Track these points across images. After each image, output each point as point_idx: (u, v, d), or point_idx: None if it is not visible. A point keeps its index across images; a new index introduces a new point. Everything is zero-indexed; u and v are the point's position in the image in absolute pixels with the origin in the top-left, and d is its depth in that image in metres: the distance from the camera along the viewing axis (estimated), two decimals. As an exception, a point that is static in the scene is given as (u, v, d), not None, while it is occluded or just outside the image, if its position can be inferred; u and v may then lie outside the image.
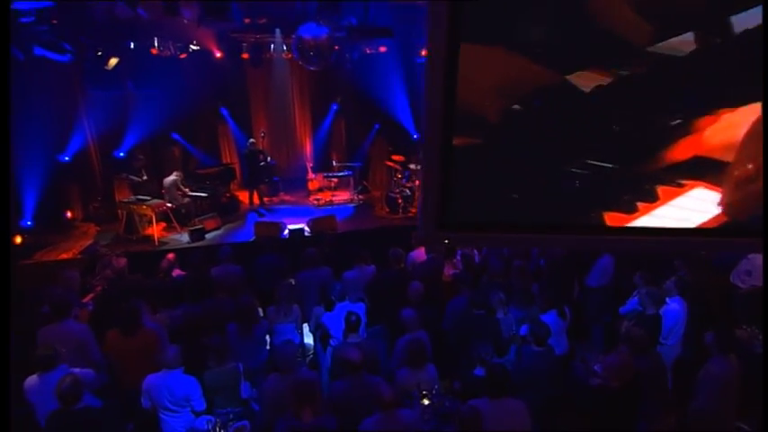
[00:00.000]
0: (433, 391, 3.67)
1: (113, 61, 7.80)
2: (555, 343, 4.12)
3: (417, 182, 9.53)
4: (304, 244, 6.86)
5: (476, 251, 6.38)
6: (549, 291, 4.79)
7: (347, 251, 6.00)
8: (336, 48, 8.69)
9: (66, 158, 9.22)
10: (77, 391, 3.41)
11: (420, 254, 6.39)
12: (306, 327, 5.29)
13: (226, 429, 3.53)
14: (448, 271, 6.06)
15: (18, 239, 7.85)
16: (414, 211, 9.67)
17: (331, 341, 4.52)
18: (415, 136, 11.25)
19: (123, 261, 5.71)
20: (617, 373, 3.41)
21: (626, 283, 5.14)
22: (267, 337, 4.80)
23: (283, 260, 6.07)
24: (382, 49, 10.79)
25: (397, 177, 10.04)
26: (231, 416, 3.64)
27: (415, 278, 5.24)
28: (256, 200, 10.28)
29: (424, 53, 1.68)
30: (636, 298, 4.68)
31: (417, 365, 3.88)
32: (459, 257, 6.33)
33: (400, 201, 9.64)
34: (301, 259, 5.53)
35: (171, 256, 6.02)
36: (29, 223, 8.52)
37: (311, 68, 8.82)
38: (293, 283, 5.09)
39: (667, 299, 4.50)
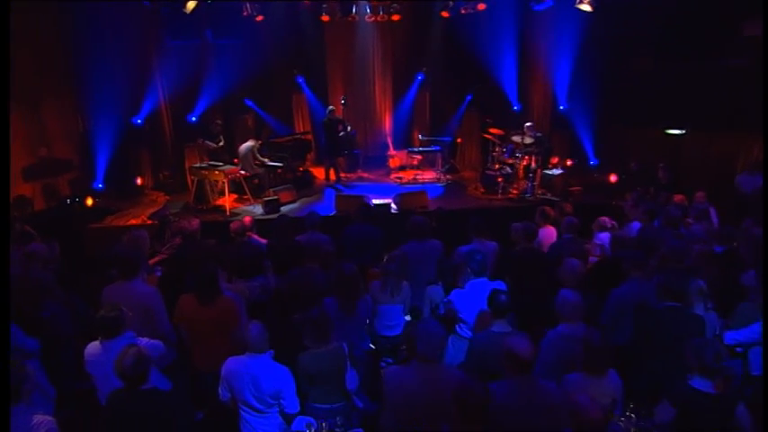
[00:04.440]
0: (629, 412, 2.58)
1: (191, 4, 7.35)
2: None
3: (525, 158, 8.34)
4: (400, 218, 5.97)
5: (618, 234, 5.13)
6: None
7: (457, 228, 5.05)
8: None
9: (139, 121, 9.01)
10: (143, 368, 2.70)
11: (549, 233, 5.29)
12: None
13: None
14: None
15: (90, 201, 7.64)
16: (515, 191, 8.51)
17: (458, 328, 3.55)
18: (515, 107, 10.03)
19: (196, 222, 5.10)
20: None
21: None
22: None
23: (378, 230, 5.20)
24: (481, 6, 9.60)
25: (496, 152, 8.90)
26: (339, 420, 2.76)
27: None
28: (332, 176, 9.59)
29: None
30: None
31: (596, 371, 2.80)
32: (599, 239, 5.15)
33: (500, 179, 8.50)
34: (408, 228, 4.61)
35: (248, 219, 5.35)
36: (100, 186, 8.36)
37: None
38: (402, 255, 4.15)
39: None
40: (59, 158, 8.17)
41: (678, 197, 5.82)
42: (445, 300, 3.76)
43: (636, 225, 5.30)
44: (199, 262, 4.27)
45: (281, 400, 2.94)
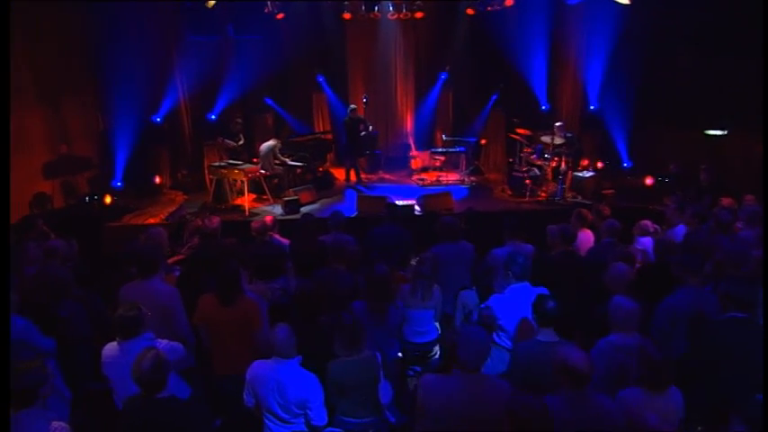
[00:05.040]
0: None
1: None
2: None
3: (554, 160, 8.06)
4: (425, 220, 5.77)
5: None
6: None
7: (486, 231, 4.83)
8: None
9: (158, 119, 8.99)
10: (161, 374, 2.55)
11: (586, 237, 5.03)
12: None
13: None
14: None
15: (108, 199, 7.61)
16: (544, 194, 8.24)
17: (496, 336, 3.33)
18: (544, 106, 9.75)
19: (217, 220, 4.97)
20: None
21: None
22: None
23: (406, 232, 5.01)
24: (509, 2, 9.37)
25: (524, 153, 8.63)
26: (372, 432, 2.57)
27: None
28: (353, 176, 9.44)
29: None
30: None
31: (657, 387, 2.56)
32: (641, 244, 4.87)
33: (528, 181, 8.24)
34: (438, 229, 4.40)
35: (269, 218, 5.20)
36: (119, 184, 8.34)
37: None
38: (434, 256, 3.94)
39: None
40: (79, 156, 8.18)
41: (726, 200, 5.50)
42: (482, 306, 3.54)
43: (680, 229, 5.01)
44: (219, 261, 4.14)
45: (308, 411, 2.75)
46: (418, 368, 4.13)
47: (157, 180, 9.03)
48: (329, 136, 10.45)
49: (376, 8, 10.02)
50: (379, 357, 2.86)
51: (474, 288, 3.92)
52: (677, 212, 5.20)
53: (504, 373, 3.08)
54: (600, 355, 2.91)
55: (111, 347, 3.00)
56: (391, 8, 10.07)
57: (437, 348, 4.04)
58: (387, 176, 9.99)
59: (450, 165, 10.01)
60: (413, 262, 4.95)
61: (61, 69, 7.79)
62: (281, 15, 9.27)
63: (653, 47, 8.29)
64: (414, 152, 10.16)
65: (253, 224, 5.01)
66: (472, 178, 9.60)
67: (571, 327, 3.30)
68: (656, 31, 8.05)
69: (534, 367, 2.80)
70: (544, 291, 3.43)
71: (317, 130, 10.66)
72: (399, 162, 10.45)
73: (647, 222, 5.04)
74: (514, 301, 3.36)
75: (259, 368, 2.81)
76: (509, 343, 3.35)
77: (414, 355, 3.99)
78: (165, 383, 2.59)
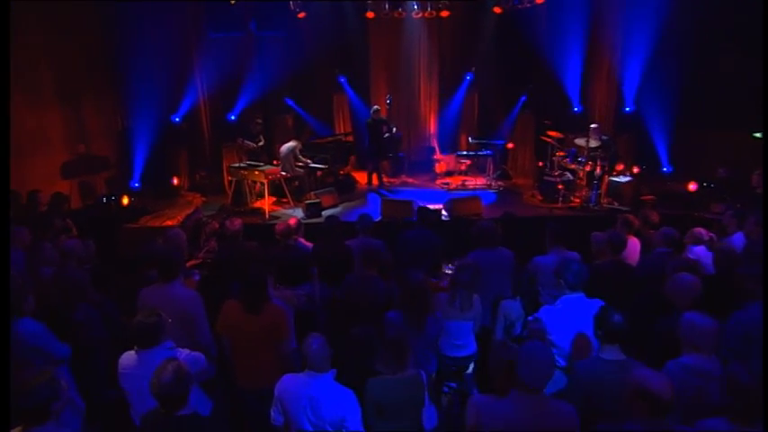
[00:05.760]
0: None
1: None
2: None
3: (589, 164, 7.73)
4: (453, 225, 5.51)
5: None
6: None
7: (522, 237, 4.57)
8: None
9: (177, 119, 8.91)
10: (183, 389, 2.34)
11: (633, 245, 4.72)
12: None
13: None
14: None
15: (125, 200, 7.52)
16: (578, 200, 7.91)
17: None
18: (576, 108, 9.42)
19: (239, 222, 4.79)
20: None
21: None
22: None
23: (439, 237, 4.76)
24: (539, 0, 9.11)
25: (556, 156, 8.32)
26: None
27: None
28: (375, 180, 9.23)
29: None
30: None
31: (745, 417, 2.26)
32: (694, 253, 4.54)
33: (561, 186, 7.93)
34: (475, 234, 4.14)
35: (293, 221, 5.01)
36: (136, 185, 8.25)
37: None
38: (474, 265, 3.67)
39: None
40: (97, 156, 8.13)
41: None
42: (530, 318, 3.26)
43: (738, 238, 4.67)
44: (244, 265, 3.96)
45: (346, 430, 2.52)
46: (453, 384, 3.88)
47: (175, 181, 8.94)
48: (350, 138, 10.27)
49: (400, 7, 9.86)
50: (424, 377, 2.61)
51: (517, 298, 3.64)
52: (735, 220, 4.85)
53: (559, 394, 2.80)
54: (671, 379, 2.62)
55: (128, 357, 2.81)
56: (416, 7, 9.89)
57: (472, 364, 3.79)
58: (409, 180, 9.76)
59: (474, 169, 9.75)
60: (446, 270, 4.71)
61: (81, 68, 7.76)
62: (302, 14, 9.17)
63: (699, 44, 7.91)
64: (438, 155, 9.91)
65: (277, 227, 4.81)
66: (499, 183, 9.31)
67: (639, 344, 3.01)
68: (701, 28, 7.68)
69: (597, 389, 2.52)
70: (601, 303, 3.15)
71: (337, 132, 10.50)
72: (423, 165, 10.22)
73: (702, 230, 4.70)
74: (568, 314, 3.09)
75: (290, 383, 2.59)
76: (561, 361, 3.07)
77: (449, 371, 3.74)
78: (186, 399, 2.37)
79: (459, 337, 3.56)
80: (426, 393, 2.60)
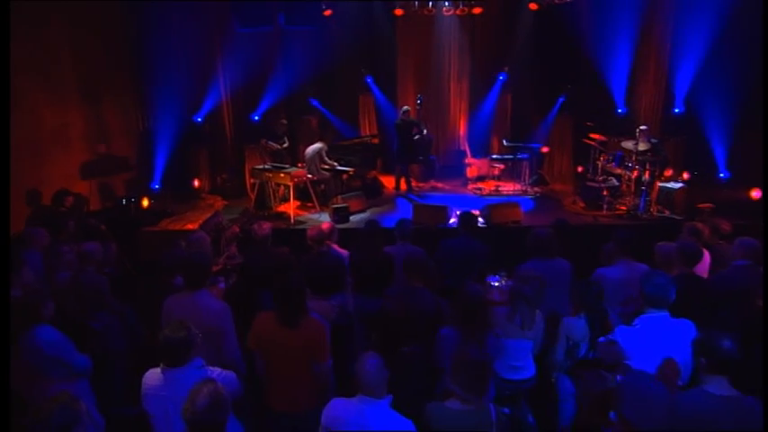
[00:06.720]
0: None
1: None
2: None
3: (636, 168, 7.30)
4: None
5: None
6: None
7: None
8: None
9: (199, 119, 8.76)
10: (220, 415, 2.06)
11: (704, 258, 4.31)
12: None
13: None
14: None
15: (145, 202, 7.36)
16: (623, 207, 7.48)
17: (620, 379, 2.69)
18: (620, 110, 9.00)
19: (268, 227, 4.52)
20: None
21: None
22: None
23: (484, 246, 4.43)
24: (578, -5, 8.74)
25: (600, 161, 7.92)
26: None
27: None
28: (403, 185, 8.93)
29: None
30: None
31: None
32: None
33: (605, 192, 7.52)
34: (530, 243, 3.81)
35: (326, 225, 4.73)
36: (156, 186, 8.10)
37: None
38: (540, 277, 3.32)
39: None
40: (117, 156, 8.00)
41: None
42: (601, 339, 2.91)
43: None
44: (273, 273, 3.69)
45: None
46: (506, 410, 3.52)
47: (196, 184, 8.77)
48: (376, 140, 10.00)
49: (430, 3, 9.61)
50: (493, 412, 2.27)
51: (582, 315, 3.28)
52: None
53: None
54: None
55: (153, 376, 2.54)
56: (447, 3, 9.63)
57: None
58: (439, 185, 9.44)
59: (508, 174, 9.38)
60: (496, 284, 4.34)
61: (104, 66, 7.66)
62: (328, 12, 8.98)
63: (759, 42, 7.44)
64: (469, 159, 9.57)
65: (309, 231, 4.54)
66: (536, 189, 8.93)
67: (752, 377, 2.63)
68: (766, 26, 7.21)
69: (703, 428, 2.15)
70: (688, 323, 2.79)
71: (363, 134, 10.25)
72: (453, 170, 9.88)
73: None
74: (650, 336, 2.72)
75: (341, 410, 2.29)
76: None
77: (503, 395, 3.39)
78: (223, 427, 2.09)
79: (517, 359, 3.22)
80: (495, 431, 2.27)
